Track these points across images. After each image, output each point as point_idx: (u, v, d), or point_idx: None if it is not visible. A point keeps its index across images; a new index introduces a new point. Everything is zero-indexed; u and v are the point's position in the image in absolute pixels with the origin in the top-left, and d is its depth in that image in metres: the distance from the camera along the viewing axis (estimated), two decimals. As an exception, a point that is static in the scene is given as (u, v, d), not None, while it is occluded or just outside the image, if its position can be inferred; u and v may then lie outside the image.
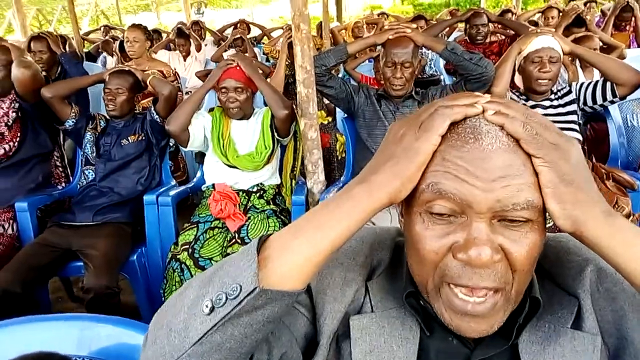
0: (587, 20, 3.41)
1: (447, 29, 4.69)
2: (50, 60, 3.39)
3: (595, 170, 2.02)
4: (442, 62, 4.58)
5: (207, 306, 0.53)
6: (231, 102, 2.22)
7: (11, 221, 2.19)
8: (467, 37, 3.94)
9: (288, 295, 0.55)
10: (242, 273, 0.54)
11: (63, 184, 2.60)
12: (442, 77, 4.14)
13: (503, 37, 3.98)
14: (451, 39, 4.93)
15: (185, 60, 5.97)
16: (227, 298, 0.53)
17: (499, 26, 4.21)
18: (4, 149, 2.28)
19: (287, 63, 3.58)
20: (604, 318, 0.64)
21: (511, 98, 2.26)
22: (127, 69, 2.50)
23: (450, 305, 0.59)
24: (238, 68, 2.22)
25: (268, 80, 3.91)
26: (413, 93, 2.25)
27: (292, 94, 3.57)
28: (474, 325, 0.59)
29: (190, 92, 5.32)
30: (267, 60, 5.87)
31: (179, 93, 3.98)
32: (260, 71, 4.30)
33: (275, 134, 2.24)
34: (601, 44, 3.28)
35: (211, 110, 2.35)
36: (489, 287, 0.57)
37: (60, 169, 2.68)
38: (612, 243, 0.54)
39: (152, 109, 2.36)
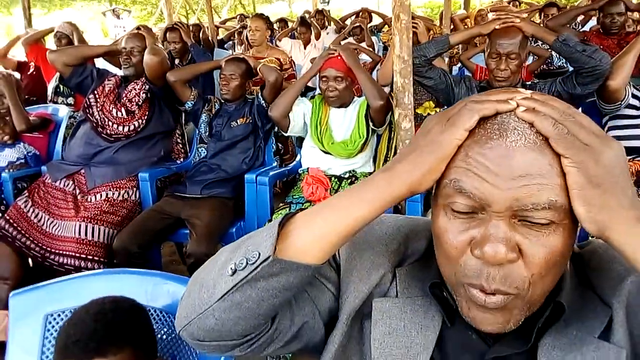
0: None
1: (582, 17, 4.30)
2: (182, 49, 3.75)
3: None
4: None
5: (231, 268, 0.60)
6: (330, 90, 2.29)
7: (135, 189, 2.49)
8: (600, 27, 3.58)
9: (303, 267, 0.59)
10: (263, 242, 0.60)
11: (182, 159, 2.90)
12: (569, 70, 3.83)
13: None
14: (586, 28, 4.51)
15: (305, 48, 6.20)
16: (247, 263, 0.59)
17: (644, 14, 3.76)
18: (134, 125, 2.60)
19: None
20: None
21: (634, 94, 2.05)
22: (241, 56, 2.69)
23: (469, 297, 0.59)
24: (340, 58, 2.28)
25: (378, 68, 3.93)
26: (519, 86, 2.13)
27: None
28: (489, 318, 0.59)
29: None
30: (385, 48, 5.87)
31: (294, 80, 4.18)
32: (370, 59, 4.36)
33: (371, 124, 2.28)
34: None
35: (312, 98, 2.45)
36: (501, 290, 0.56)
37: (180, 145, 2.98)
38: (638, 252, 0.51)
39: (260, 94, 2.53)
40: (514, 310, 0.58)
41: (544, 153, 0.53)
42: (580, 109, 2.22)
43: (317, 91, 3.24)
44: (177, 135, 2.95)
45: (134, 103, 2.61)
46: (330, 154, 2.30)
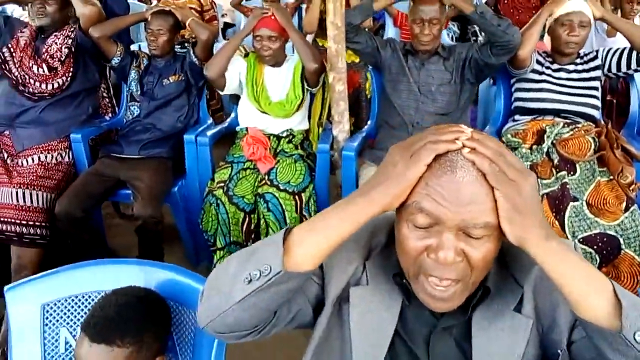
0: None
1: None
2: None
3: (608, 137, 2.12)
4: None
5: (246, 278, 0.75)
6: (265, 50, 2.35)
7: (67, 150, 2.45)
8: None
9: (304, 274, 0.76)
10: (271, 257, 0.75)
11: (110, 115, 2.84)
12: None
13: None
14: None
15: (221, -20, 5.94)
16: (261, 274, 0.74)
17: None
18: (58, 83, 2.49)
19: (322, -1, 3.59)
20: (543, 305, 0.83)
21: (537, 60, 2.32)
22: (167, 9, 2.62)
23: (424, 289, 0.79)
24: (273, 17, 2.32)
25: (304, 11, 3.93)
26: (439, 50, 2.32)
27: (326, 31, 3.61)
28: (439, 304, 0.79)
29: (225, 14, 5.36)
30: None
31: (215, 22, 4.08)
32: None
33: (306, 84, 2.39)
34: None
35: (246, 55, 2.49)
36: (451, 278, 0.76)
37: (107, 99, 2.90)
38: (545, 258, 0.72)
39: (192, 51, 2.52)
40: (458, 297, 0.79)
41: (482, 185, 0.72)
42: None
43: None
44: (102, 89, 2.86)
45: (56, 59, 2.49)
46: (268, 114, 2.40)
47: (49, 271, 1.10)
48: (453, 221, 0.72)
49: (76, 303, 1.10)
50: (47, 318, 1.08)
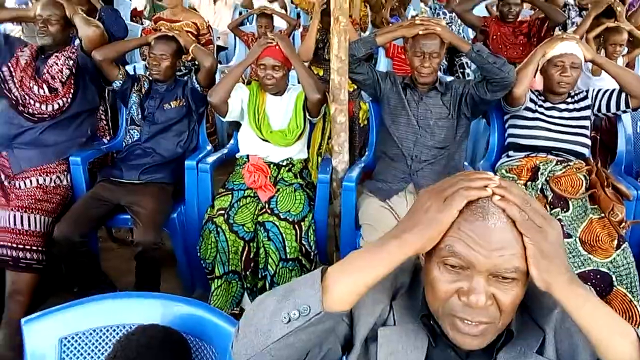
0: (617, 11, 3.44)
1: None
2: (90, 14, 3.52)
3: (598, 175, 2.20)
4: (471, 33, 4.61)
5: (285, 317, 0.77)
6: (268, 79, 2.39)
7: (66, 173, 2.43)
8: (498, 14, 3.99)
9: (340, 314, 0.79)
10: (310, 297, 0.77)
11: (107, 138, 2.84)
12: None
13: (532, 17, 4.01)
14: (481, 5, 4.84)
15: (215, 3, 6.06)
16: (300, 314, 0.76)
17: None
18: (59, 104, 2.49)
19: (318, 28, 3.66)
20: (563, 347, 0.87)
21: (530, 98, 2.41)
22: (170, 34, 2.65)
23: (455, 327, 0.82)
24: (277, 47, 2.37)
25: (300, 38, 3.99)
26: (437, 85, 2.39)
27: (322, 60, 3.68)
28: (469, 341, 0.82)
29: (219, 37, 5.43)
30: (298, 14, 5.89)
31: (211, 45, 4.13)
32: (286, 25, 4.45)
33: (307, 114, 2.43)
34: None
35: (249, 83, 2.53)
36: (482, 321, 0.80)
37: (104, 122, 2.90)
38: (570, 302, 0.76)
39: (194, 78, 2.55)
40: (488, 335, 0.82)
41: (512, 232, 0.76)
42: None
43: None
44: (100, 112, 2.86)
45: (57, 80, 2.49)
46: (269, 142, 2.43)
47: (67, 304, 1.10)
48: (485, 266, 0.76)
49: (94, 337, 1.10)
50: (64, 352, 1.08)
